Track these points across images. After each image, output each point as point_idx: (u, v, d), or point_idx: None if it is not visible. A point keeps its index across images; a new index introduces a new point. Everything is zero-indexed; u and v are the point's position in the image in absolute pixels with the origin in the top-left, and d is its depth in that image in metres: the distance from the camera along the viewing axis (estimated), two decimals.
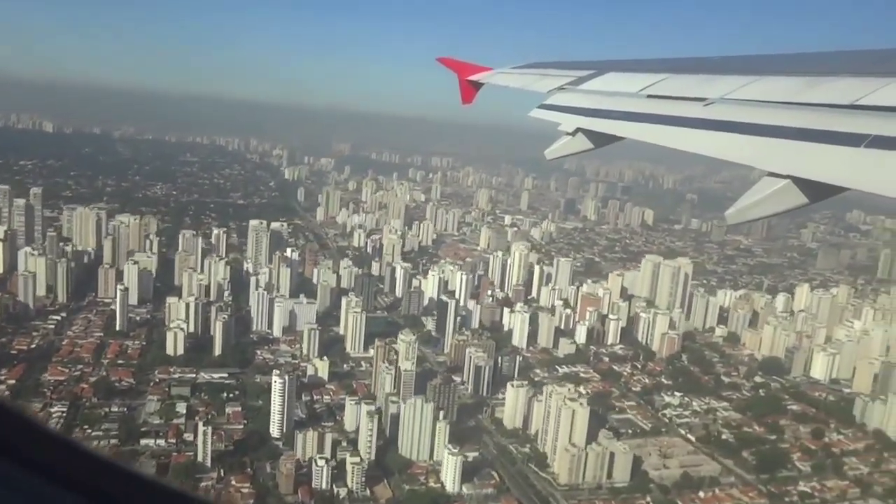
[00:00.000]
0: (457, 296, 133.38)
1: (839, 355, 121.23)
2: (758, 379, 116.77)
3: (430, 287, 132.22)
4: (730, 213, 6.65)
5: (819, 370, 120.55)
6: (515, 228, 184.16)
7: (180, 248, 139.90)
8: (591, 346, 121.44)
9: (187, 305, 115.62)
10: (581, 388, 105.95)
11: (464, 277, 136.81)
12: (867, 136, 6.12)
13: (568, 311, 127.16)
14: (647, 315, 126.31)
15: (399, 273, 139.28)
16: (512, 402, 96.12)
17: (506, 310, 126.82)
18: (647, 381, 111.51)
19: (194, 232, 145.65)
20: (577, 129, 11.25)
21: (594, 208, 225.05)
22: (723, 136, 7.92)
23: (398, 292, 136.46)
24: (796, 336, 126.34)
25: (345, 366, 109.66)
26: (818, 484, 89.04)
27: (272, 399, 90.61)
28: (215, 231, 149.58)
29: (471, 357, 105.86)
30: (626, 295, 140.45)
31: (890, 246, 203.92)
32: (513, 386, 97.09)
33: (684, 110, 9.11)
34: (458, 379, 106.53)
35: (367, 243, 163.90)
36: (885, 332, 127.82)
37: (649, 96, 10.44)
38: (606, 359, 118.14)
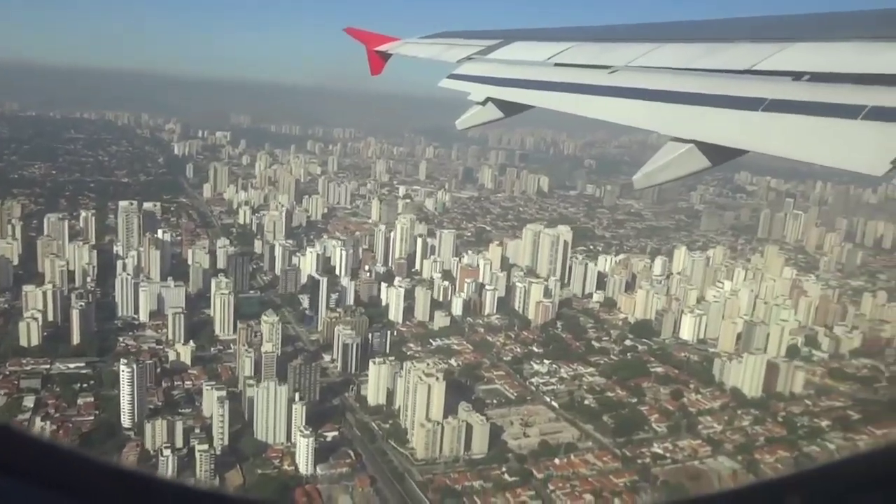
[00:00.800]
0: (337, 272, 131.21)
1: (706, 316, 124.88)
2: (627, 343, 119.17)
3: (308, 264, 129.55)
4: (637, 178, 6.91)
5: (687, 331, 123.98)
6: (408, 200, 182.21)
7: (45, 233, 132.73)
8: (468, 318, 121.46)
9: (45, 293, 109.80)
10: (451, 361, 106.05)
11: (345, 253, 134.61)
12: (764, 100, 6.37)
13: (447, 283, 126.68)
14: (524, 284, 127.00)
15: (278, 251, 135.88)
16: (374, 379, 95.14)
17: (384, 284, 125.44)
18: (518, 350, 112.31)
19: (60, 215, 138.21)
20: (487, 99, 11.34)
21: (491, 177, 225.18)
22: (628, 103, 8.11)
23: (277, 270, 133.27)
24: (667, 299, 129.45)
25: (212, 349, 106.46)
26: (671, 444, 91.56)
27: (121, 388, 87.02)
28: (83, 213, 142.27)
29: (339, 335, 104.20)
30: (507, 265, 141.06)
31: (772, 206, 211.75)
32: (374, 363, 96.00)
33: (590, 78, 9.27)
34: (327, 357, 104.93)
35: (251, 220, 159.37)
36: (752, 292, 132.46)
37: (556, 65, 10.54)
38: (481, 329, 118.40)
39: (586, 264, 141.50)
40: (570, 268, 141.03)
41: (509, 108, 11.23)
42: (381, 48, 17.78)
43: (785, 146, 6.02)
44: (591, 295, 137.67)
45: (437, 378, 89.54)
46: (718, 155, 6.66)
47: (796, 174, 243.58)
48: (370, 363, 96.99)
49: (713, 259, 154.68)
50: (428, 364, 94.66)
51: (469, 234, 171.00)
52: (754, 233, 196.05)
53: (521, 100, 10.74)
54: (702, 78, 7.57)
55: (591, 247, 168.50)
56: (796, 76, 6.71)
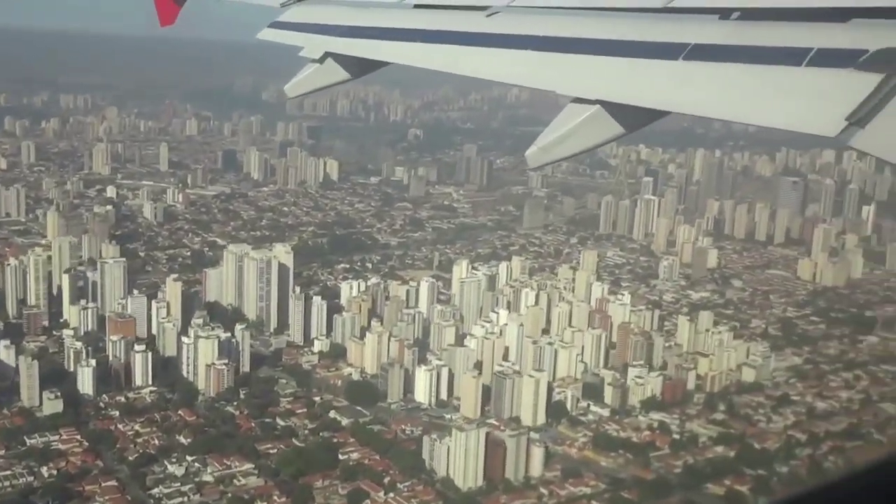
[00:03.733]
0: None
1: (448, 367, 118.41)
2: (332, 415, 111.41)
3: None
4: (531, 153, 7.11)
5: (422, 391, 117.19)
6: (108, 208, 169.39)
7: None
8: (104, 395, 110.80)
9: None
10: (43, 468, 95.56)
11: None
12: (685, 45, 6.47)
13: (79, 344, 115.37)
14: (191, 339, 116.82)
15: None
16: None
17: None
18: (157, 441, 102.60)
19: None
20: (326, 54, 11.16)
21: (260, 162, 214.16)
22: (512, 55, 8.21)
23: None
24: (400, 344, 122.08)
25: None
26: None
27: None
28: None
29: None
30: (200, 305, 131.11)
31: (619, 188, 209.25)
32: None
33: (462, 23, 9.30)
34: None
35: None
36: (521, 326, 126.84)
37: (417, 6, 10.65)
38: (115, 412, 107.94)
39: (307, 297, 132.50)
40: (287, 305, 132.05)
41: (356, 66, 10.94)
42: None
43: (714, 104, 6.21)
44: (314, 342, 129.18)
45: None
46: (632, 118, 6.70)
47: (687, 138, 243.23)
48: None
49: (507, 274, 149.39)
50: None
51: (187, 254, 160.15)
52: (597, 227, 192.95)
53: (371, 55, 10.51)
54: (606, 19, 7.63)
55: (356, 264, 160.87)
56: (724, 14, 6.81)
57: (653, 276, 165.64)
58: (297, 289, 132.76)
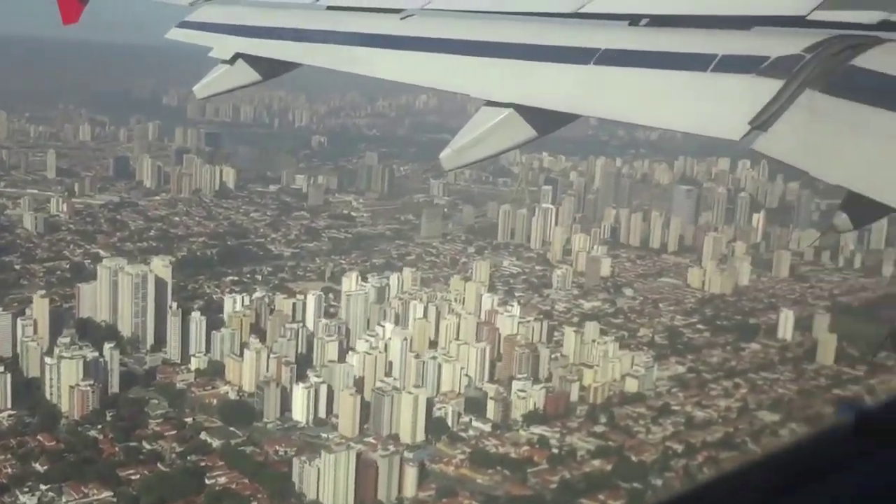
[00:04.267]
0: None
1: (328, 383, 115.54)
2: (203, 437, 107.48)
3: None
4: (445, 156, 7.17)
5: (300, 409, 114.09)
6: None
7: None
8: None
9: None
10: None
11: None
12: (595, 50, 6.63)
13: None
14: (54, 360, 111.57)
15: None
16: None
17: None
18: (10, 470, 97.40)
19: None
20: (237, 55, 11.04)
21: (154, 170, 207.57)
22: (426, 58, 8.28)
23: None
24: (278, 363, 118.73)
25: None
26: None
27: None
28: None
29: None
30: (69, 322, 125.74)
31: (520, 196, 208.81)
32: None
33: (376, 25, 9.30)
34: None
35: None
36: (405, 340, 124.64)
37: (329, 7, 10.54)
38: None
39: (185, 312, 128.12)
40: (164, 320, 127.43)
41: (267, 68, 10.90)
42: None
43: (623, 107, 6.43)
44: (192, 359, 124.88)
45: None
46: (545, 121, 6.90)
47: (586, 146, 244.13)
48: None
49: (398, 286, 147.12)
50: None
51: (66, 266, 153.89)
52: (495, 236, 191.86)
53: (282, 56, 10.57)
54: (518, 24, 7.82)
55: (246, 276, 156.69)
56: (633, 20, 7.01)
57: (547, 285, 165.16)
58: (175, 304, 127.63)
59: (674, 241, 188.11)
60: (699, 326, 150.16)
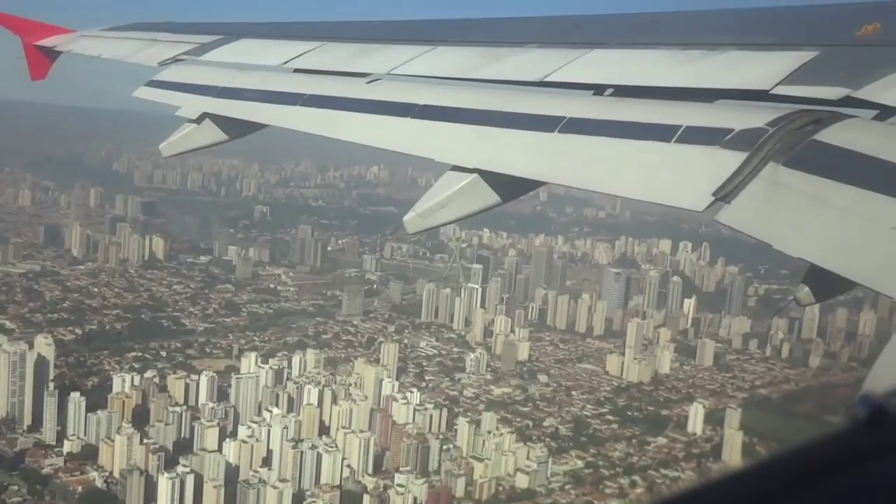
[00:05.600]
0: None
1: (192, 476, 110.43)
2: None
3: None
4: (409, 219, 7.20)
5: (164, 502, 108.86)
6: None
7: None
8: None
9: None
10: None
11: None
12: (560, 118, 6.74)
13: None
14: None
15: None
16: None
17: None
18: None
19: None
20: (204, 115, 11.18)
21: (82, 238, 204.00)
22: (392, 122, 8.34)
23: None
24: (146, 450, 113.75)
25: None
26: None
27: None
28: None
29: None
30: None
31: (454, 274, 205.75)
32: None
33: (342, 88, 9.58)
34: None
35: None
36: (285, 429, 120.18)
37: (296, 70, 10.72)
38: None
39: (62, 392, 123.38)
40: (45, 400, 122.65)
41: (234, 128, 11.02)
42: (45, 42, 16.94)
43: (586, 176, 6.43)
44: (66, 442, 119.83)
45: None
46: (509, 187, 6.96)
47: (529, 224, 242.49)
48: None
49: (300, 367, 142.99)
50: None
51: None
52: (419, 315, 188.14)
53: (248, 116, 10.66)
54: (484, 91, 8.05)
55: (151, 352, 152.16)
56: (598, 90, 7.18)
57: (460, 369, 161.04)
58: (52, 384, 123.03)
59: (599, 325, 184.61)
60: (608, 417, 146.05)
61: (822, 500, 1.53)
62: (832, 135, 5.29)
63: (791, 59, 6.31)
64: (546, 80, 7.40)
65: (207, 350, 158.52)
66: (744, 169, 5.36)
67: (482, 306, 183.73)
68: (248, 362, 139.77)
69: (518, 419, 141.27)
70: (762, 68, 6.39)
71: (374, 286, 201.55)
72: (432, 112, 7.94)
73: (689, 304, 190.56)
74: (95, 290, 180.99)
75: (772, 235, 5.11)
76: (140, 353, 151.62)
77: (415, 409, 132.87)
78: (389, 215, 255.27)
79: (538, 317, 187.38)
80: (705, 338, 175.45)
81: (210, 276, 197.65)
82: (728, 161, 5.45)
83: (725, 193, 5.31)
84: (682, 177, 5.67)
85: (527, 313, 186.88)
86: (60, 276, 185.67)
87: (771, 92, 6.08)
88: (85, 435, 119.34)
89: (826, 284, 5.90)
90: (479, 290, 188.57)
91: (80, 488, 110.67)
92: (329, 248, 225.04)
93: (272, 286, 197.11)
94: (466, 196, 6.90)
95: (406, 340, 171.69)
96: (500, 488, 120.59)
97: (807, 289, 6.07)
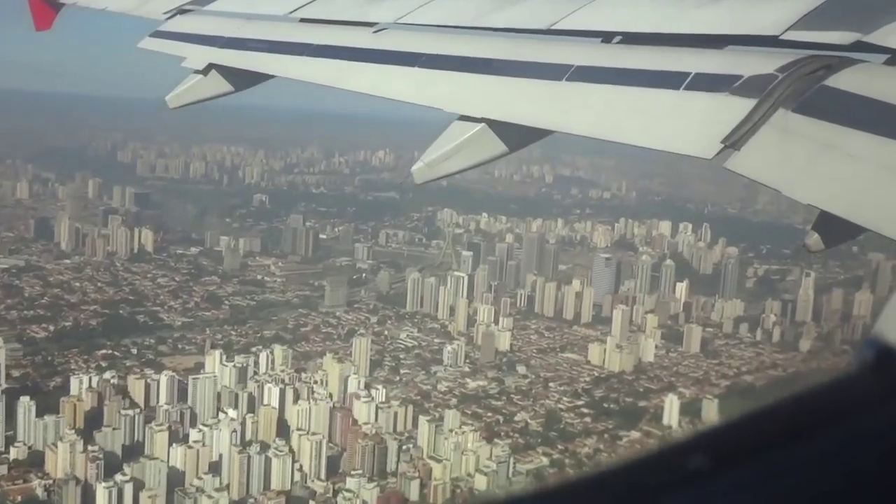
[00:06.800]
0: None
1: (130, 485, 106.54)
2: None
3: None
4: (417, 169, 7.24)
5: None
6: None
7: None
8: None
9: None
10: None
11: None
12: (568, 66, 6.68)
13: None
14: None
15: None
16: None
17: None
18: None
19: None
20: (210, 66, 11.16)
21: (71, 231, 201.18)
22: (399, 72, 8.31)
23: None
24: (86, 457, 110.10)
25: None
26: None
27: None
28: None
29: None
30: None
31: (447, 261, 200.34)
32: None
33: (349, 38, 9.44)
34: None
35: None
36: (235, 433, 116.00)
37: (303, 20, 10.49)
38: None
39: (8, 395, 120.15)
40: None
41: (241, 79, 10.97)
42: None
43: (594, 124, 6.31)
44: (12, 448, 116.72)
45: None
46: (517, 136, 6.91)
47: (528, 207, 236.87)
48: None
49: (266, 364, 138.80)
50: None
51: None
52: (404, 305, 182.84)
53: (255, 67, 10.57)
54: (491, 39, 7.93)
55: (122, 349, 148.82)
56: (606, 37, 7.04)
57: (438, 361, 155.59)
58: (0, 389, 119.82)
59: (587, 312, 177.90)
60: (583, 410, 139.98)
61: (832, 443, 1.52)
62: (843, 80, 5.20)
63: (801, 4, 6.11)
64: (554, 27, 7.28)
65: (180, 347, 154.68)
66: (753, 116, 5.29)
67: (468, 295, 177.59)
68: (213, 360, 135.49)
69: (489, 414, 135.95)
70: (772, 13, 6.19)
71: (364, 275, 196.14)
72: (440, 61, 7.80)
73: (682, 287, 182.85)
74: (77, 284, 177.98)
75: (781, 182, 5.04)
76: (110, 351, 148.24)
77: (377, 408, 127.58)
78: (391, 201, 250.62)
79: (527, 304, 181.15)
80: (694, 323, 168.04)
81: (197, 267, 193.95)
82: (737, 108, 5.37)
83: (735, 140, 5.25)
84: (690, 124, 5.57)
85: (516, 301, 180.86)
86: (44, 271, 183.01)
87: (781, 37, 5.94)
88: (33, 441, 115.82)
89: (836, 230, 5.71)
90: (466, 278, 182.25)
91: (19, 497, 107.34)
92: (325, 237, 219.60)
93: (259, 277, 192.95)
94: (474, 145, 6.77)
95: (386, 332, 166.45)
96: (457, 490, 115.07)
97: (816, 235, 5.83)
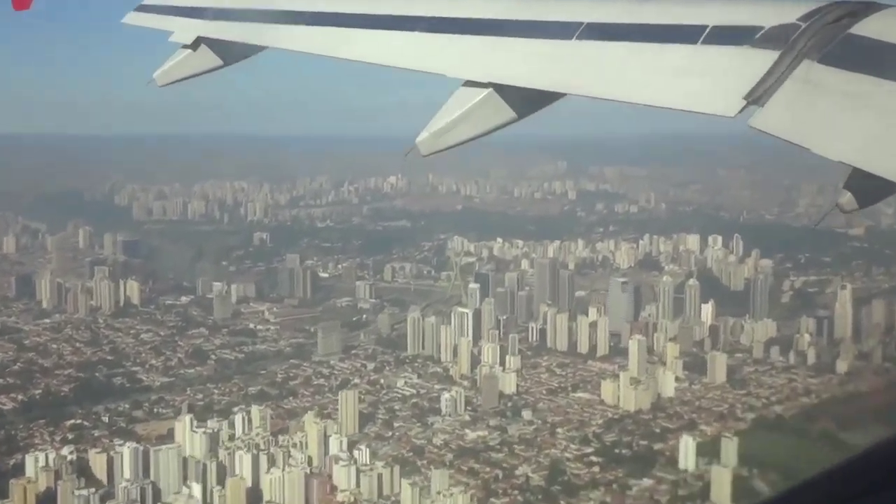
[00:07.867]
0: None
1: None
2: None
3: None
4: (422, 140, 7.03)
5: None
6: None
7: None
8: None
9: None
10: None
11: None
12: (578, 24, 6.56)
13: None
14: None
15: None
16: None
17: None
18: None
19: None
20: (199, 39, 11.09)
21: (53, 288, 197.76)
22: (399, 37, 8.15)
23: None
24: None
25: None
26: None
27: None
28: None
29: None
30: None
31: (456, 293, 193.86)
32: None
33: (345, 4, 9.36)
34: None
35: None
36: None
37: None
38: None
39: None
40: None
41: (230, 52, 10.89)
42: None
43: (609, 85, 6.16)
44: None
45: None
46: (526, 101, 6.76)
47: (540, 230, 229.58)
48: None
49: (243, 427, 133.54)
50: None
51: None
52: (404, 348, 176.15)
53: (248, 39, 10.46)
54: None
55: (92, 418, 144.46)
56: None
57: (435, 411, 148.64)
58: None
59: (603, 343, 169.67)
60: (591, 459, 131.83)
61: None
62: (869, 27, 5.10)
63: None
64: None
65: (157, 411, 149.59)
66: (776, 69, 5.19)
67: (473, 333, 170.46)
68: (182, 427, 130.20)
69: (487, 469, 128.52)
70: None
71: (364, 316, 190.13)
72: (442, 24, 7.67)
73: (707, 309, 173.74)
74: (54, 346, 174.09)
75: (809, 139, 4.94)
76: (79, 421, 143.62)
77: (358, 471, 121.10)
78: (401, 230, 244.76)
79: (538, 338, 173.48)
80: (718, 350, 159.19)
81: (185, 319, 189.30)
82: (759, 61, 5.27)
83: (758, 96, 5.16)
84: (710, 81, 5.46)
85: (527, 335, 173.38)
86: (20, 334, 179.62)
87: None
88: None
89: (870, 188, 5.41)
90: (470, 314, 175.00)
91: None
92: (326, 275, 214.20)
93: (251, 326, 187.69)
94: (481, 112, 6.65)
95: (382, 380, 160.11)
96: None
97: (849, 194, 5.51)
